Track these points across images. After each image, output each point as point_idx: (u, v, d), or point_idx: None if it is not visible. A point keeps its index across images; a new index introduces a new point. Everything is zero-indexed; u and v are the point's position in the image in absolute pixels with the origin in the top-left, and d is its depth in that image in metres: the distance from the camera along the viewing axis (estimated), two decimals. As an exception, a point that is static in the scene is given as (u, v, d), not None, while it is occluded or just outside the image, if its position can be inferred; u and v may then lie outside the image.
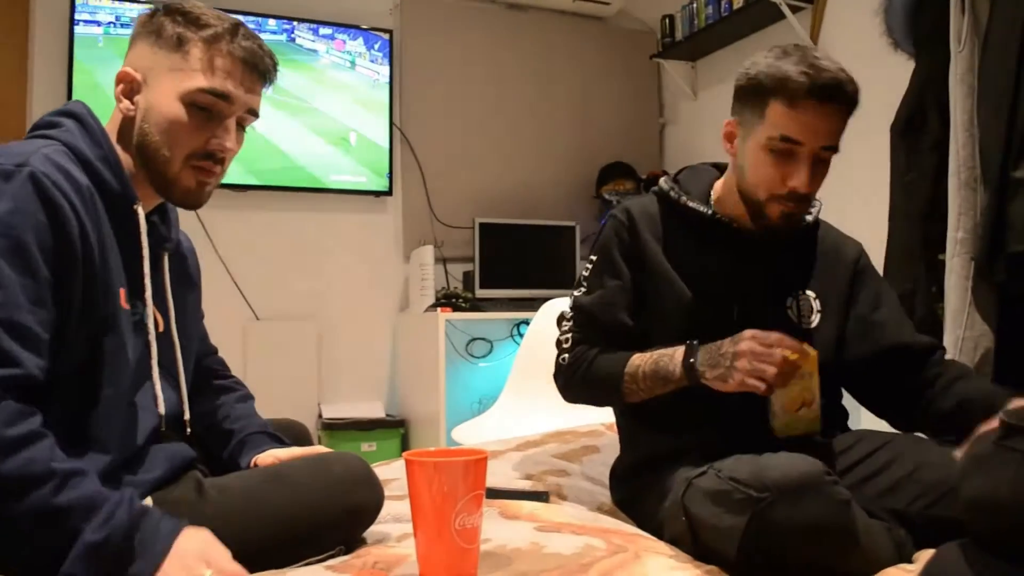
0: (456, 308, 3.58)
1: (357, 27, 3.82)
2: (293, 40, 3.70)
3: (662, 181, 1.56)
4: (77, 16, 3.33)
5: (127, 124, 1.19)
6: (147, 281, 1.18)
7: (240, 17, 1.25)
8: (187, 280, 1.36)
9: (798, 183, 1.35)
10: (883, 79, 2.15)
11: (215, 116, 1.18)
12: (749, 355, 1.25)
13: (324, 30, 3.75)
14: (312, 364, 3.72)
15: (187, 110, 1.16)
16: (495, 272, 3.81)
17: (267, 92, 1.27)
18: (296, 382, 3.66)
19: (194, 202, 1.21)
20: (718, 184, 1.54)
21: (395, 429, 3.69)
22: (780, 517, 1.05)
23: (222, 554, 1.00)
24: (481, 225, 3.82)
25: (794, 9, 3.31)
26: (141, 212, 1.18)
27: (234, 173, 3.52)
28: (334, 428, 3.56)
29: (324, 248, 3.83)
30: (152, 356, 1.19)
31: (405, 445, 3.69)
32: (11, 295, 0.97)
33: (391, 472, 1.73)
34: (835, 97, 1.33)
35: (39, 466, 0.93)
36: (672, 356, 1.37)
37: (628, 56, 4.34)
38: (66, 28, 3.33)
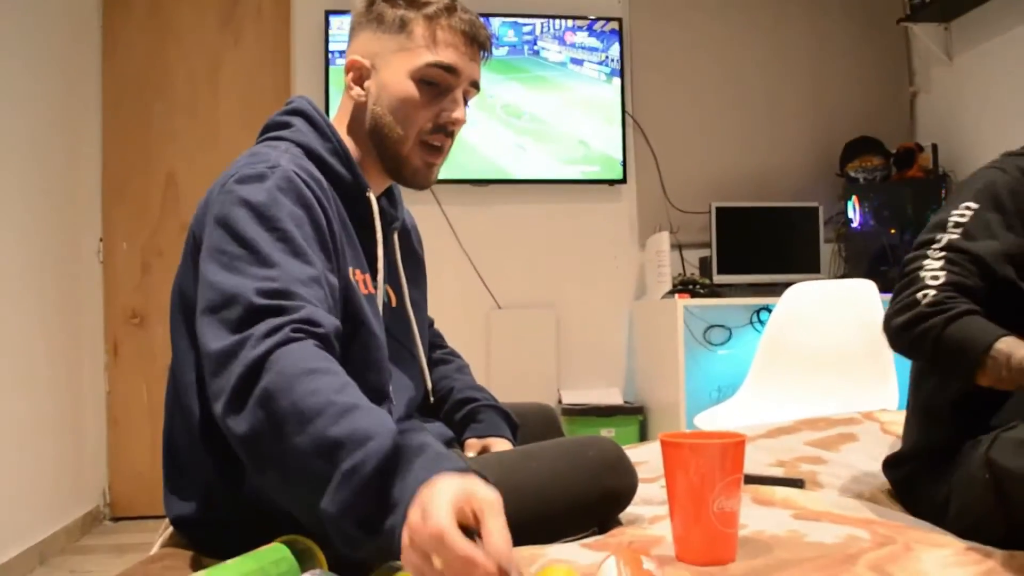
0: (694, 294, 3.51)
1: (586, 18, 3.85)
2: (537, 53, 3.78)
3: None
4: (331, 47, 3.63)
5: (358, 110, 1.23)
6: (380, 264, 1.21)
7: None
8: (413, 255, 1.40)
9: None
10: None
11: (443, 90, 1.21)
12: None
13: (569, 36, 3.79)
14: (551, 351, 3.78)
15: (418, 87, 1.19)
16: (733, 257, 3.69)
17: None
18: (536, 368, 3.74)
19: (423, 182, 1.24)
20: None
21: (634, 416, 3.68)
22: None
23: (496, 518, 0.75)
24: (718, 209, 3.71)
25: (1069, -45, 2.96)
26: (373, 198, 1.22)
27: (475, 171, 3.68)
28: (574, 413, 3.59)
29: (561, 238, 3.89)
30: (381, 334, 1.19)
31: (644, 432, 3.67)
32: (284, 270, 0.97)
33: (636, 455, 1.73)
34: None
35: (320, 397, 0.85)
36: None
37: (870, 22, 4.08)
38: (322, 62, 3.60)
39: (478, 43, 1.22)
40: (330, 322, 0.97)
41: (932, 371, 1.31)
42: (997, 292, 1.22)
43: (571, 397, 3.71)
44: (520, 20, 3.78)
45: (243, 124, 3.68)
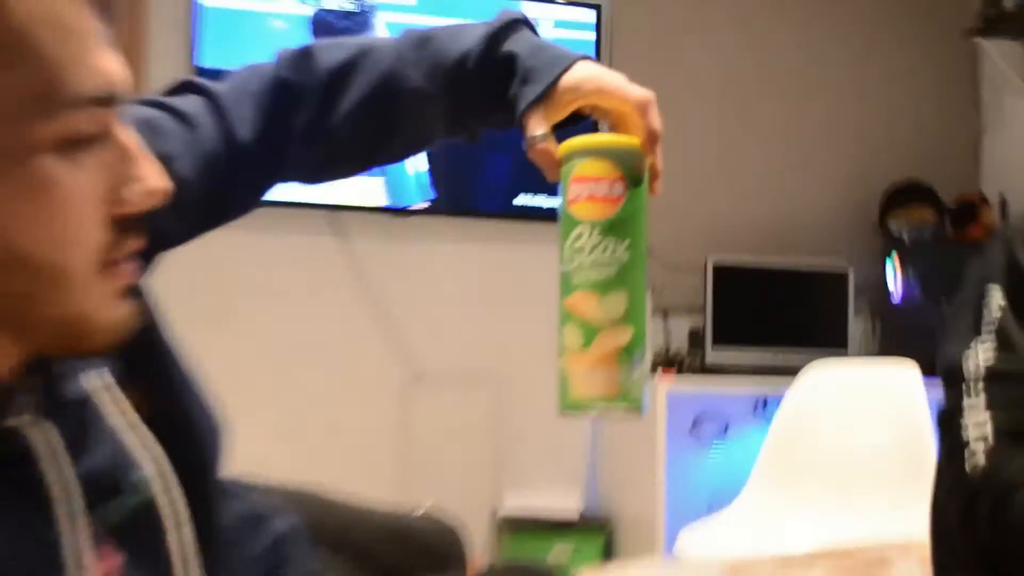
0: (681, 373, 3.24)
1: (556, 2, 3.50)
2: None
3: None
4: None
5: None
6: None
7: None
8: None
9: None
10: None
11: (96, 140, 0.73)
12: None
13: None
14: (489, 441, 3.36)
15: (56, 163, 0.72)
16: (734, 328, 3.36)
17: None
18: (469, 463, 3.35)
19: (117, 334, 0.78)
20: None
21: (597, 531, 3.29)
22: None
23: None
24: (716, 268, 3.32)
25: None
26: (25, 430, 0.75)
27: (395, 195, 3.31)
28: (518, 527, 3.24)
29: (507, 290, 3.43)
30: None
31: (610, 550, 3.27)
32: None
33: None
34: None
35: None
36: None
37: (929, 37, 3.76)
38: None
39: None
40: None
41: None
42: None
43: (516, 504, 3.29)
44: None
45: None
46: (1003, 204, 3.46)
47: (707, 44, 3.62)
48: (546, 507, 3.29)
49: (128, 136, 0.68)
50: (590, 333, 0.82)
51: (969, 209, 3.43)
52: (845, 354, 3.35)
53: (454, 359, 3.38)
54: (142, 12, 3.25)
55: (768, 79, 3.64)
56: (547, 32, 3.34)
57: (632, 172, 0.83)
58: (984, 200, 3.46)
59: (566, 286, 0.83)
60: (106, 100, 0.66)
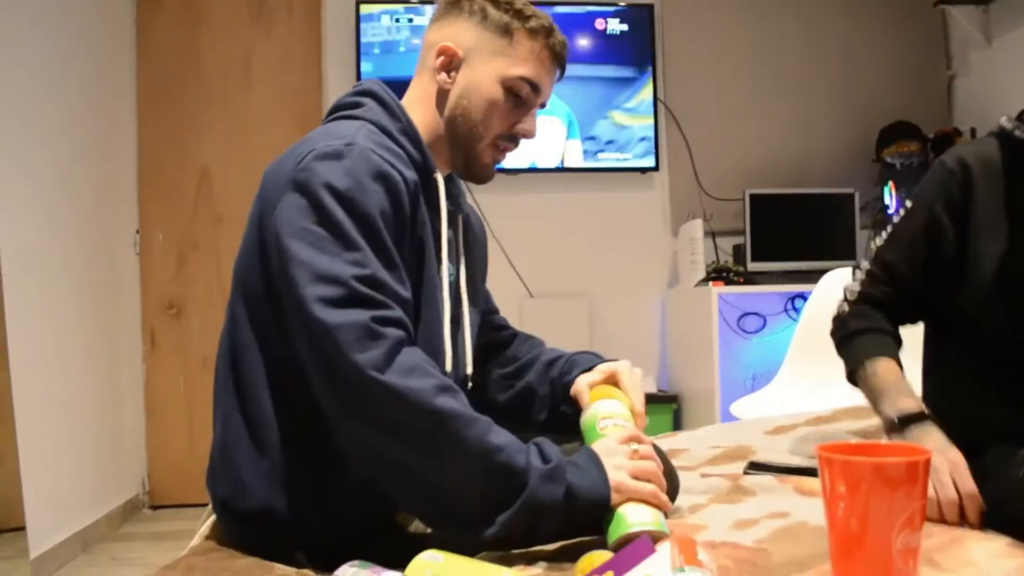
0: (728, 282, 3.50)
1: (616, 4, 3.84)
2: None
3: (1003, 119, 1.28)
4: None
5: (440, 96, 1.26)
6: (444, 242, 1.22)
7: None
8: (477, 242, 1.41)
9: None
10: None
11: (524, 103, 1.25)
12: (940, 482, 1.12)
13: (599, 23, 3.81)
14: (584, 339, 3.76)
15: (505, 94, 1.23)
16: (767, 244, 3.68)
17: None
18: None
19: (485, 177, 1.29)
20: None
21: (668, 404, 3.69)
22: None
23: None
24: (751, 196, 3.69)
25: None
26: (440, 179, 1.23)
27: (507, 159, 3.65)
28: None
29: (594, 226, 3.89)
30: (445, 313, 1.21)
31: (677, 420, 3.69)
32: (368, 256, 1.04)
33: (673, 443, 1.78)
34: None
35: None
36: (894, 402, 1.23)
37: (907, 5, 4.02)
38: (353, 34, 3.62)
39: (562, 67, 1.28)
40: (409, 324, 1.06)
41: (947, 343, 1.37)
42: (914, 298, 1.34)
43: (605, 385, 3.70)
44: (548, 5, 3.77)
45: (274, 118, 3.73)
46: (972, 134, 3.64)
47: (741, 30, 3.95)
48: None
49: (535, 112, 1.26)
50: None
51: (947, 140, 3.61)
52: (854, 260, 3.35)
53: (558, 280, 3.84)
54: (319, 32, 3.80)
55: (787, 53, 3.96)
56: (612, 26, 3.80)
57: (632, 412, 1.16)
58: (958, 132, 3.70)
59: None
60: (535, 88, 1.24)
